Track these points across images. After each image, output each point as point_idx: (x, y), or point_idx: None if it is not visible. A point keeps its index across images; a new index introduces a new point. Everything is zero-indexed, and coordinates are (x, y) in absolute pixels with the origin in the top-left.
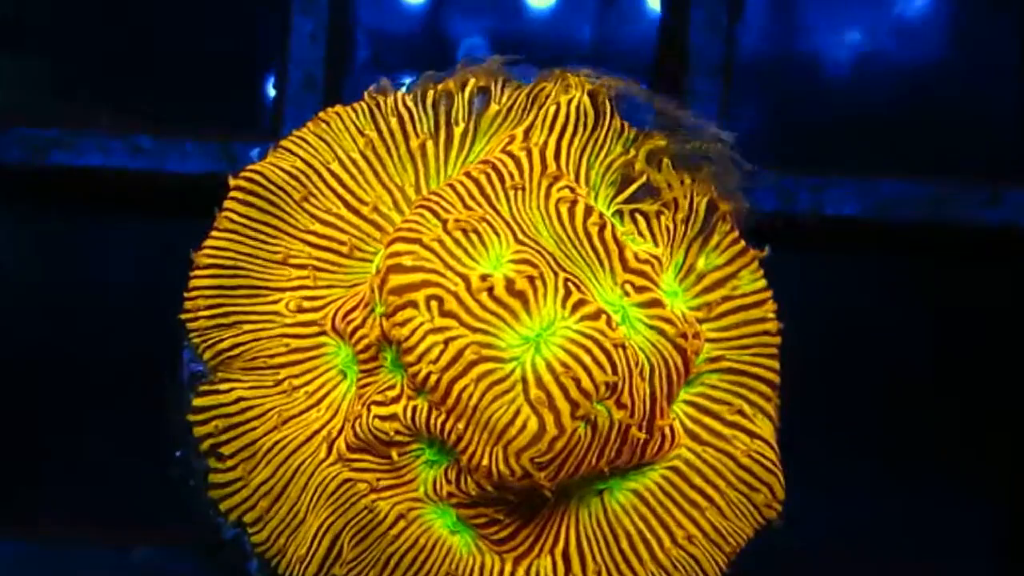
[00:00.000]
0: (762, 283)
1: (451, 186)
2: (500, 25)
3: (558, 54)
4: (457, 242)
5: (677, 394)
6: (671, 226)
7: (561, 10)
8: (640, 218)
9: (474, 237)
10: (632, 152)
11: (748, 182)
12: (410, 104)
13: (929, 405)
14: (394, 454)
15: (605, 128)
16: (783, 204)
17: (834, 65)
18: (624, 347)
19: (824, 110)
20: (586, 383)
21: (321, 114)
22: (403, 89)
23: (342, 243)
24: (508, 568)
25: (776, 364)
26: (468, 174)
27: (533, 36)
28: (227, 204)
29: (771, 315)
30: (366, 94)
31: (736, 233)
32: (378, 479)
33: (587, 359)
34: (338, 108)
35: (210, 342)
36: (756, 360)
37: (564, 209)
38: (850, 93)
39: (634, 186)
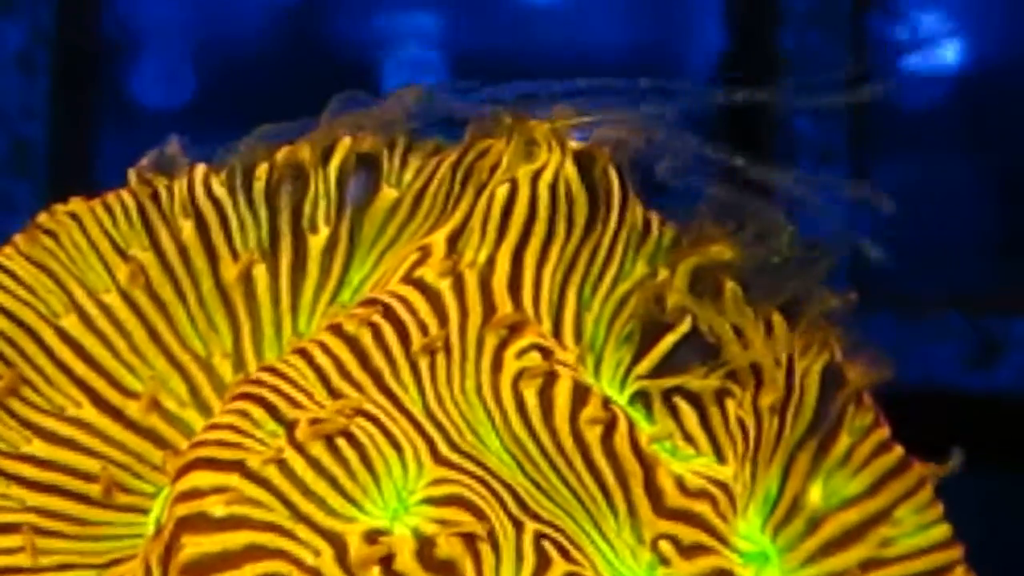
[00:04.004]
0: (944, 531)
1: (304, 353)
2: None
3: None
4: (316, 465)
5: None
6: (751, 420)
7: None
8: (686, 406)
9: (351, 455)
10: (665, 272)
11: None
12: (220, 193)
13: None
14: None
15: (611, 226)
16: (980, 359)
17: None
18: None
19: None
20: None
21: (44, 218)
22: (210, 163)
23: (88, 477)
24: None
25: None
26: (338, 329)
27: (522, 41)
28: None
29: None
30: (133, 173)
31: (885, 430)
32: None
33: None
34: (76, 204)
35: None
36: None
37: (531, 393)
38: None
39: (669, 339)
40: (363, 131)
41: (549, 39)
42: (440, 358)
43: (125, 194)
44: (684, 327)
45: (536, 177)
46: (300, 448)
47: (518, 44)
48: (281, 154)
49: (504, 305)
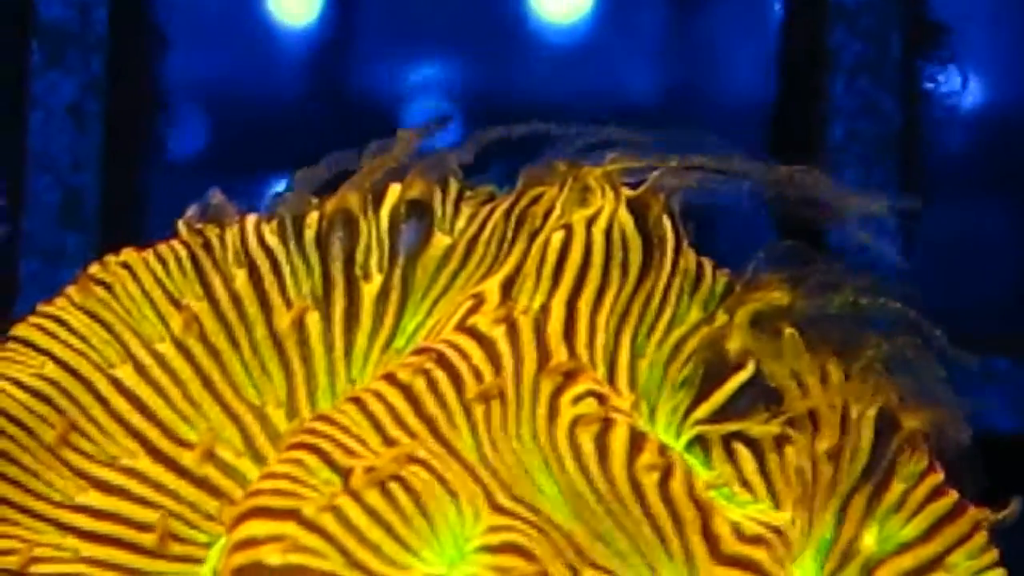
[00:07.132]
0: None
1: (358, 402)
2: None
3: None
4: (372, 512)
5: None
6: (807, 466)
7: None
8: (743, 452)
9: (407, 502)
10: (722, 317)
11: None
12: (272, 241)
13: None
14: None
15: (665, 272)
16: None
17: None
18: None
19: None
20: None
21: (96, 269)
22: (259, 211)
23: (142, 527)
24: None
25: None
26: (392, 377)
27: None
28: None
29: None
30: (182, 224)
31: (939, 475)
32: None
33: None
34: (128, 255)
35: None
36: None
37: (587, 440)
38: None
39: (729, 386)
40: (414, 177)
41: (573, 85)
42: (495, 405)
43: (177, 244)
44: (746, 371)
45: (591, 223)
46: (355, 496)
47: (540, 91)
48: (331, 202)
49: (559, 352)
